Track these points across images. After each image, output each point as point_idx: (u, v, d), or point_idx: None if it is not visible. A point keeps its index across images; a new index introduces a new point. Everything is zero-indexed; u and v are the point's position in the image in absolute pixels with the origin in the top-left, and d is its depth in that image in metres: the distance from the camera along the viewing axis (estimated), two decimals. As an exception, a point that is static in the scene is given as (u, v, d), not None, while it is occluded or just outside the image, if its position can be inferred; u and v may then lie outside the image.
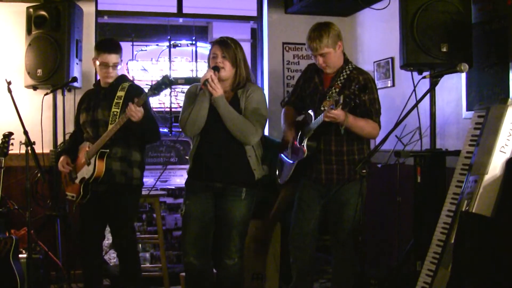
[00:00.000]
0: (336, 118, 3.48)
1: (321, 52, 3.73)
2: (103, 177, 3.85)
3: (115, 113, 3.87)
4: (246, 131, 3.62)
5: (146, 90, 4.28)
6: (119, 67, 4.07)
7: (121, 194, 3.95)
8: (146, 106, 3.84)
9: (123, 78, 4.14)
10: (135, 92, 3.95)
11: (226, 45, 3.65)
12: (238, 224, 3.71)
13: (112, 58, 3.97)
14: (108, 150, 3.85)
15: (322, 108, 3.66)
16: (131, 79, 6.40)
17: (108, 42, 4.08)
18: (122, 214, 3.99)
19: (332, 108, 3.42)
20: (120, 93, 3.94)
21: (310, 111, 3.84)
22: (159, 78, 6.73)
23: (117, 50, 4.02)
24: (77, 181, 3.96)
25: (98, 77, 4.15)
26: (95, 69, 4.13)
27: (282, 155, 4.15)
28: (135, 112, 3.63)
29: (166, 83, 3.56)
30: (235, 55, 3.65)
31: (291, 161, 3.95)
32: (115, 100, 3.91)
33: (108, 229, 4.21)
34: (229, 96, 3.68)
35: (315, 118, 3.74)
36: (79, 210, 4.09)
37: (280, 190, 4.68)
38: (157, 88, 3.58)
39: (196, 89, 3.76)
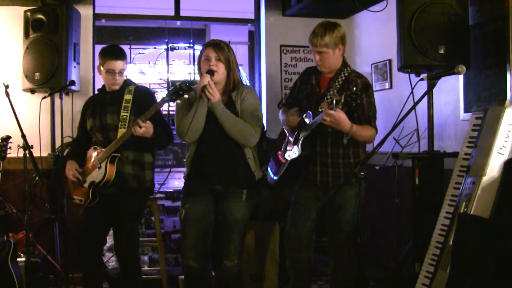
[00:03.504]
0: (336, 121, 3.47)
1: (319, 49, 3.74)
2: (115, 180, 3.86)
3: (124, 117, 3.88)
4: (246, 133, 3.62)
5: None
6: (125, 73, 4.07)
7: (132, 197, 3.96)
8: (158, 116, 3.87)
9: (127, 82, 4.15)
10: (143, 94, 3.95)
11: (220, 48, 3.65)
12: (239, 226, 3.72)
13: (118, 64, 3.97)
14: (119, 154, 3.86)
15: (320, 110, 3.66)
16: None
17: (114, 49, 4.05)
18: (130, 217, 3.99)
19: (331, 108, 3.41)
20: (128, 97, 3.94)
21: (307, 113, 3.83)
22: (160, 81, 6.80)
23: (123, 56, 4.02)
24: (85, 185, 3.95)
25: (103, 83, 4.13)
26: (102, 76, 4.09)
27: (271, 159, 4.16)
28: (141, 130, 3.67)
29: (184, 89, 3.52)
30: (228, 57, 3.66)
31: (284, 160, 3.93)
32: (123, 104, 3.92)
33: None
34: (223, 99, 3.67)
35: (312, 119, 3.73)
36: (84, 213, 4.08)
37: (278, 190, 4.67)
38: (175, 94, 3.54)
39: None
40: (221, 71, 3.64)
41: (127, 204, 3.95)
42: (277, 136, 4.21)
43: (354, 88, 3.53)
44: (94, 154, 3.95)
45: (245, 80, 6.53)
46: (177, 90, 3.54)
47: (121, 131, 3.83)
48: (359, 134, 3.62)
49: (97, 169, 3.90)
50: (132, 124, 3.76)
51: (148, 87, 4.36)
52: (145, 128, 3.69)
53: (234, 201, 3.69)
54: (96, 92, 4.22)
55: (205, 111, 3.63)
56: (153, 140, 3.81)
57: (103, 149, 3.88)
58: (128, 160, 3.94)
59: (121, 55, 4.01)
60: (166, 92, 6.34)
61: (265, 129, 5.28)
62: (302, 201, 3.92)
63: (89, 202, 3.93)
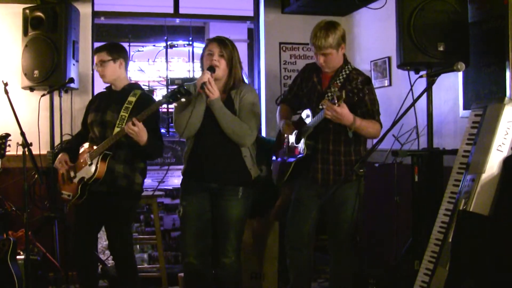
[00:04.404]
0: (339, 116, 3.46)
1: (324, 52, 3.72)
2: (105, 177, 3.84)
3: (123, 117, 3.86)
4: (242, 133, 3.62)
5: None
6: (111, 63, 3.99)
7: (121, 197, 3.93)
8: (153, 122, 3.86)
9: (136, 85, 4.16)
10: (145, 101, 3.93)
11: (224, 44, 3.65)
12: (235, 223, 3.71)
13: (97, 56, 3.98)
14: (111, 153, 3.84)
15: (321, 107, 3.65)
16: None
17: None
18: (120, 217, 3.97)
19: (333, 102, 3.40)
20: (131, 98, 3.94)
21: (307, 110, 3.84)
22: (159, 79, 6.80)
23: (104, 48, 4.00)
24: (75, 180, 3.95)
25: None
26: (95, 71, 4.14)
27: (274, 156, 4.16)
28: (134, 128, 3.61)
29: (182, 92, 3.51)
30: (231, 55, 3.66)
31: (288, 161, 3.94)
32: (125, 105, 3.91)
33: (103, 230, 4.19)
34: (223, 97, 3.67)
35: (313, 117, 3.73)
36: (74, 210, 4.08)
37: (279, 189, 4.67)
38: (172, 97, 3.54)
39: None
40: (222, 67, 3.64)
41: (117, 204, 3.93)
42: (276, 136, 4.21)
43: (355, 83, 3.53)
44: (87, 150, 3.95)
45: (245, 79, 6.53)
46: (174, 93, 3.53)
47: (117, 130, 3.83)
48: (363, 127, 3.60)
49: (88, 165, 3.89)
50: (114, 134, 3.76)
51: (152, 95, 4.34)
52: (138, 129, 3.64)
53: (229, 199, 3.69)
54: (104, 89, 4.20)
55: (203, 107, 3.62)
56: (146, 147, 3.76)
57: (95, 146, 3.88)
58: (120, 160, 3.91)
59: (101, 48, 4.02)
60: (165, 89, 6.41)
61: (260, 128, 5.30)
62: (302, 200, 3.92)
63: (77, 198, 3.90)
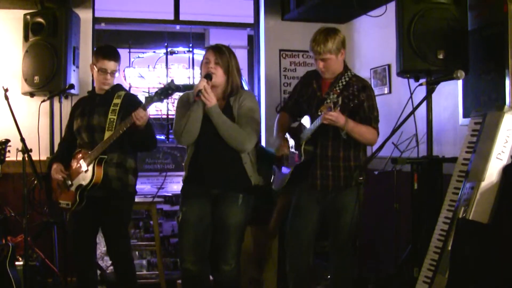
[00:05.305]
0: (335, 120, 3.48)
1: (323, 57, 3.74)
2: (100, 183, 3.84)
3: (111, 120, 3.87)
4: (241, 139, 3.63)
5: (142, 99, 4.30)
6: (116, 75, 4.08)
7: (116, 200, 3.95)
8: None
9: (118, 87, 4.15)
10: (131, 101, 3.96)
11: (220, 51, 3.66)
12: (235, 230, 3.71)
13: (111, 65, 3.99)
14: (106, 157, 3.85)
15: (319, 113, 3.66)
16: (128, 86, 6.43)
17: (108, 49, 4.08)
18: (117, 220, 3.98)
19: (329, 110, 3.42)
20: (117, 101, 3.95)
21: (306, 117, 3.84)
22: (159, 85, 6.81)
23: (117, 57, 4.04)
24: (72, 188, 3.94)
25: (94, 84, 4.15)
26: (92, 75, 4.17)
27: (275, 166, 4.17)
28: (142, 116, 3.67)
29: (172, 88, 3.57)
30: (228, 62, 3.66)
31: (287, 169, 3.95)
32: (112, 107, 3.92)
33: (101, 235, 4.19)
34: (221, 104, 3.68)
35: (311, 123, 3.74)
36: (71, 216, 4.06)
37: (277, 198, 4.67)
38: (163, 93, 3.60)
39: (188, 97, 3.77)
40: (219, 74, 3.64)
41: (113, 207, 3.94)
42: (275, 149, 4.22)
43: (351, 90, 3.54)
44: (80, 157, 3.94)
45: (245, 86, 6.53)
46: (165, 89, 3.60)
47: (108, 133, 3.83)
48: (356, 130, 3.62)
49: (84, 172, 3.89)
50: (118, 127, 3.77)
51: (137, 95, 4.38)
52: (146, 116, 3.71)
53: (230, 205, 3.69)
54: (86, 94, 4.21)
55: (199, 115, 3.63)
56: (143, 132, 3.80)
57: (89, 152, 3.88)
58: (112, 163, 3.93)
59: (115, 56, 4.03)
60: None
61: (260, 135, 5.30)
62: (302, 206, 3.92)
63: (77, 206, 3.89)
